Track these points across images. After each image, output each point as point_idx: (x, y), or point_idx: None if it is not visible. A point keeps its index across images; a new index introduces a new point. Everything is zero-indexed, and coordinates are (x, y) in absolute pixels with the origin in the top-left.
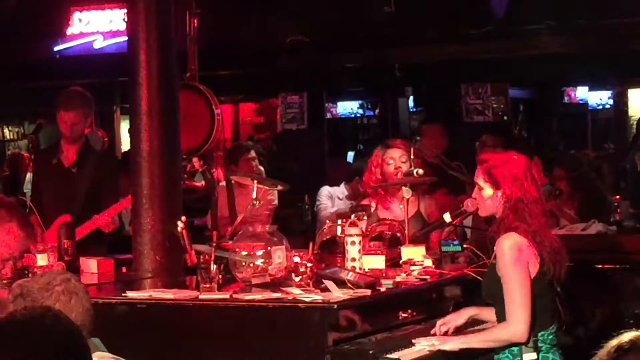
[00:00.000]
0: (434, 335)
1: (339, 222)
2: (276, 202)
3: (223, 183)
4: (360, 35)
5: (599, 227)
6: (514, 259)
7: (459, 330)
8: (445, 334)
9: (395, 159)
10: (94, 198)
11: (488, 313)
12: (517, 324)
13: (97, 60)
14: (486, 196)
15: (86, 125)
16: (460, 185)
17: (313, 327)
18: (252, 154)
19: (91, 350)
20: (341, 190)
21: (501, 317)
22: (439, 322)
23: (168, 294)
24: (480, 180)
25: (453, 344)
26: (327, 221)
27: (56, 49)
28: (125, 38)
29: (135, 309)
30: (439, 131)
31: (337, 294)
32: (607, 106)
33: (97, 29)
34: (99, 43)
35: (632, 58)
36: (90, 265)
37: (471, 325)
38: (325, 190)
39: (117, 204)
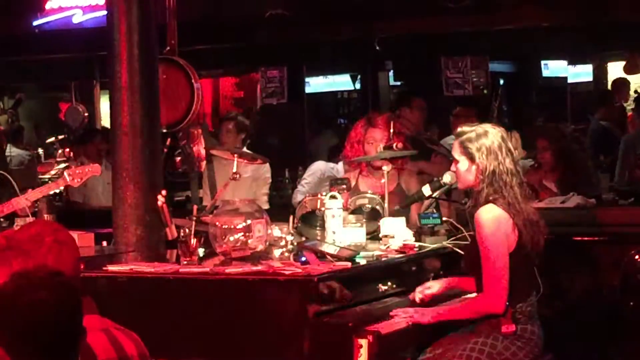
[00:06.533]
0: (412, 300)
1: (319, 195)
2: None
3: None
4: (339, 8)
5: (578, 200)
6: (493, 231)
7: (438, 301)
8: (422, 301)
9: (377, 140)
10: None
11: (466, 282)
12: (494, 296)
13: (76, 35)
14: (462, 169)
15: None
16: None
17: (293, 299)
18: (230, 125)
19: None
20: (339, 167)
21: (481, 288)
22: (418, 289)
23: (148, 268)
24: (456, 153)
25: (430, 317)
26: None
27: (35, 23)
28: (104, 12)
29: (116, 283)
30: (418, 105)
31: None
32: (587, 79)
33: (76, 3)
34: (78, 17)
35: (612, 31)
36: None
37: (451, 298)
38: (316, 168)
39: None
